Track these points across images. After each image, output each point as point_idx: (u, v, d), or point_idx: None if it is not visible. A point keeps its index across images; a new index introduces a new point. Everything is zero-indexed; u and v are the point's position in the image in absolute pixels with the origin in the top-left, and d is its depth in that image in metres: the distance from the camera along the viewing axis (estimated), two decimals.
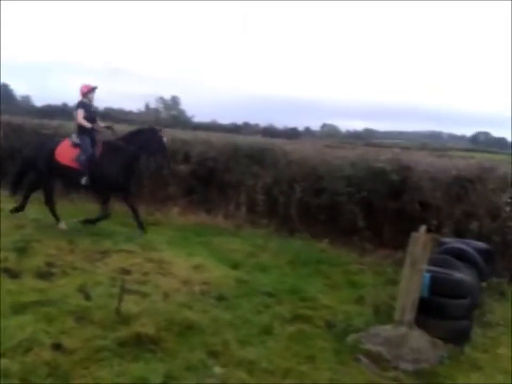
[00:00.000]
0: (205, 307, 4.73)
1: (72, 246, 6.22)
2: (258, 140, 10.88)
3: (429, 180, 7.46)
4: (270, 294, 5.32)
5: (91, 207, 8.44)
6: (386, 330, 4.24)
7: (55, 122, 11.75)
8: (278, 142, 10.48)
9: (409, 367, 3.91)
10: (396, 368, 3.89)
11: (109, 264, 5.76)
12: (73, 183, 7.82)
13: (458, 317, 4.43)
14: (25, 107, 42.64)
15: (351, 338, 4.30)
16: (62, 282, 5.03)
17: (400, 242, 6.29)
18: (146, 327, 3.95)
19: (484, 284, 5.27)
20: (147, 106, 55.90)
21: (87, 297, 4.62)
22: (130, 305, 4.39)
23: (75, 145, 7.51)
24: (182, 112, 57.91)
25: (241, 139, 10.52)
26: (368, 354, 4.03)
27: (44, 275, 5.17)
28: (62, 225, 7.46)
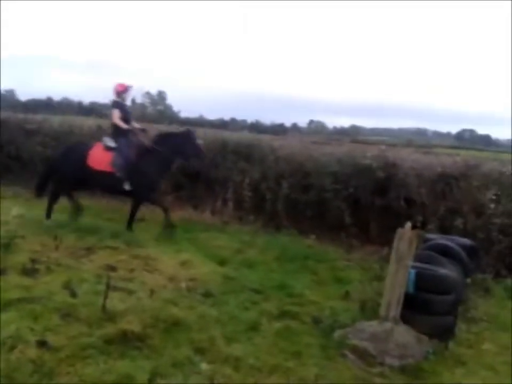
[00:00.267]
0: (191, 303, 4.71)
1: (57, 242, 6.14)
2: (246, 135, 10.88)
3: (414, 177, 7.54)
4: (257, 290, 5.32)
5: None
6: (372, 326, 4.27)
7: (39, 117, 11.63)
8: (265, 138, 10.47)
9: (395, 362, 3.94)
10: (381, 363, 3.92)
11: (94, 261, 5.70)
12: (113, 189, 7.45)
13: (443, 312, 4.47)
14: (9, 101, 42.02)
15: (337, 334, 4.32)
16: (47, 279, 4.96)
17: (386, 239, 6.34)
18: (132, 324, 3.92)
19: (468, 280, 5.33)
20: (133, 101, 55.28)
21: (73, 294, 4.57)
22: (116, 302, 4.35)
23: (108, 148, 7.25)
24: (168, 107, 57.70)
25: (228, 135, 10.51)
26: (354, 350, 4.05)
27: (28, 272, 5.09)
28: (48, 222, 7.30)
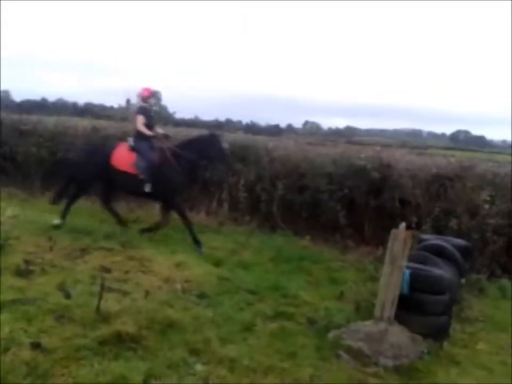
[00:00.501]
0: (186, 305, 4.70)
1: (51, 244, 6.12)
2: (241, 136, 10.87)
3: (409, 178, 7.56)
4: (252, 291, 5.32)
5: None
6: (367, 326, 4.28)
7: (34, 118, 11.58)
8: (260, 139, 10.47)
9: (389, 362, 3.95)
10: (376, 364, 3.93)
11: (88, 262, 5.68)
12: (134, 190, 7.34)
13: (437, 312, 4.49)
14: (4, 102, 41.83)
15: (332, 334, 4.32)
16: (41, 280, 4.93)
17: (381, 240, 6.37)
18: (127, 325, 3.90)
19: (462, 280, 5.36)
20: (128, 102, 55.32)
21: (67, 296, 4.55)
22: (110, 303, 4.34)
23: (132, 149, 7.15)
24: (163, 108, 57.40)
25: (223, 136, 10.49)
26: (349, 350, 4.06)
27: (22, 273, 5.07)
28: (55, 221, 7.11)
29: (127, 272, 5.50)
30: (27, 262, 5.39)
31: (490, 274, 6.63)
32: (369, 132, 60.57)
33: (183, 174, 7.12)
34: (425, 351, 4.21)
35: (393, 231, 4.32)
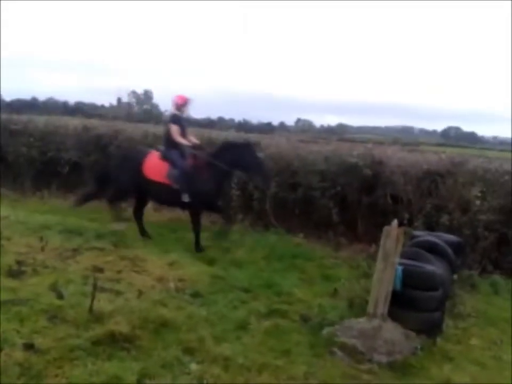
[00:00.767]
0: (180, 304, 4.69)
1: (43, 244, 6.08)
2: (233, 135, 10.85)
3: (400, 175, 7.58)
4: (245, 290, 5.32)
5: (61, 205, 8.28)
6: (360, 323, 4.29)
7: (24, 117, 11.50)
8: (252, 137, 10.45)
9: (383, 359, 3.97)
10: (370, 360, 3.95)
11: (80, 262, 5.64)
12: (170, 201, 7.18)
13: (430, 309, 4.51)
14: None
15: (326, 331, 4.34)
16: (33, 281, 4.90)
17: (373, 236, 6.39)
18: (120, 325, 3.89)
19: (455, 276, 5.38)
20: (119, 101, 55.14)
21: (60, 296, 4.53)
22: (103, 303, 4.32)
23: (164, 158, 6.95)
24: (155, 107, 57.33)
25: (215, 134, 10.48)
26: (342, 347, 4.07)
27: (14, 274, 5.03)
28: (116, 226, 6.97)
29: (119, 271, 5.47)
30: (19, 262, 5.36)
31: (482, 270, 6.67)
32: (361, 129, 60.78)
33: (216, 182, 6.91)
34: (419, 347, 4.24)
35: (386, 228, 4.34)
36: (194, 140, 7.23)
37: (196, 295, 5.03)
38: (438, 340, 4.47)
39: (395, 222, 4.39)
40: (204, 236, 7.04)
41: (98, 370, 3.33)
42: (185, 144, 6.94)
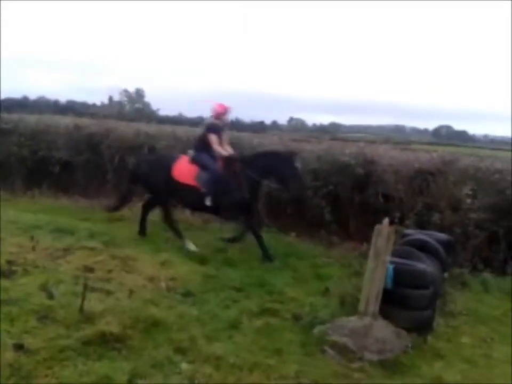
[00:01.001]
0: (171, 303, 4.68)
1: (34, 244, 6.04)
2: (226, 133, 10.80)
3: (392, 173, 7.60)
4: (237, 289, 5.32)
5: (52, 205, 8.23)
6: (352, 321, 4.30)
7: (15, 116, 11.41)
8: (245, 135, 10.43)
9: (374, 357, 3.98)
10: (361, 358, 3.96)
11: (71, 262, 5.60)
12: (196, 204, 7.07)
13: (421, 307, 4.53)
14: None
15: (317, 330, 4.34)
16: (23, 281, 4.86)
17: (365, 235, 6.39)
18: (111, 325, 3.87)
19: (446, 274, 5.40)
20: (111, 99, 54.87)
21: (50, 296, 4.50)
22: (94, 303, 4.30)
23: (194, 161, 6.90)
24: (146, 105, 57.18)
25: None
26: (334, 345, 4.08)
27: (4, 274, 4.98)
28: (190, 246, 6.77)
29: (110, 271, 5.44)
30: (9, 262, 5.32)
31: (473, 268, 6.69)
32: (353, 128, 60.93)
33: (246, 190, 6.69)
34: (410, 345, 4.25)
35: (377, 226, 4.35)
36: (229, 149, 7.10)
37: (187, 294, 5.01)
38: (429, 338, 4.49)
39: (386, 221, 4.40)
40: (197, 234, 7.02)
41: (89, 371, 3.31)
42: (224, 154, 6.85)
